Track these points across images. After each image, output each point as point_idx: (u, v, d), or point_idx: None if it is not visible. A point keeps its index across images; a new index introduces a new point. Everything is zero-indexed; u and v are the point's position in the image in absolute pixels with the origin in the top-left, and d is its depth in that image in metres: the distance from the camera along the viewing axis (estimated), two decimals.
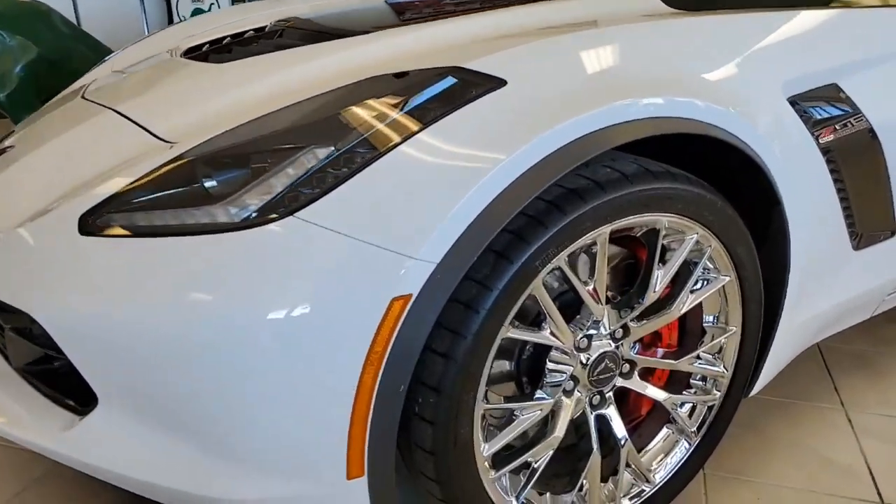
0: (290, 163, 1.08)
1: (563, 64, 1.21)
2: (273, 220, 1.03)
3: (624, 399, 1.52)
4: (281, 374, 1.04)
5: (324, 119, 1.14)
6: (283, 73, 1.45)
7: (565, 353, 1.27)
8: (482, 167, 1.04)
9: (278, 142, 1.12)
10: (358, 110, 1.13)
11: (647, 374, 1.47)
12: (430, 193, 1.04)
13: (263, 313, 1.01)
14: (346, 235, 1.02)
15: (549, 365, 1.29)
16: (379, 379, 1.05)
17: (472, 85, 1.12)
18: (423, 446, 1.14)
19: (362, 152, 1.07)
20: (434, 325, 1.08)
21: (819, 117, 1.46)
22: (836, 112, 1.49)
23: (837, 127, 1.50)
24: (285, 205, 1.05)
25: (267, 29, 2.00)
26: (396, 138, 1.07)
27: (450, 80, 1.14)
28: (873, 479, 1.63)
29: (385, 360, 1.05)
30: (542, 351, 1.30)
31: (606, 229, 1.16)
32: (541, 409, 1.24)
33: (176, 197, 1.11)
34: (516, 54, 1.20)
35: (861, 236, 1.67)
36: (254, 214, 1.05)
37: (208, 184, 1.11)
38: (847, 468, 1.67)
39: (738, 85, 1.34)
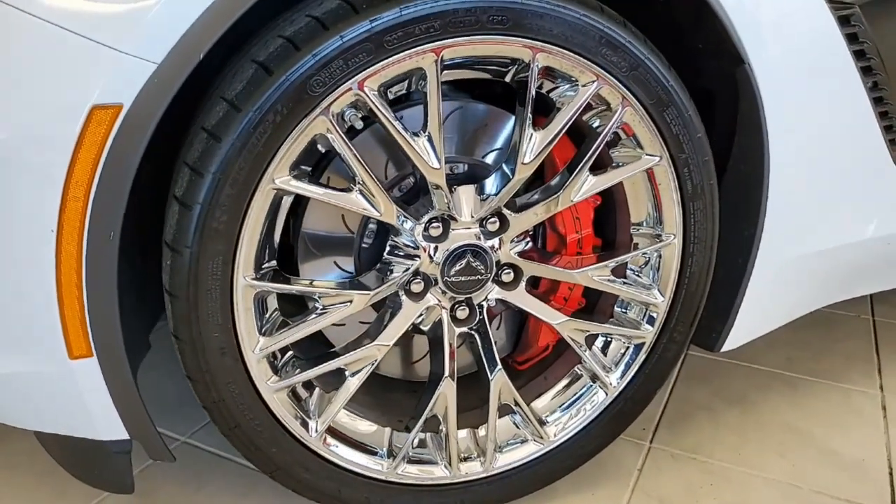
0: None
1: None
2: None
3: (522, 328, 1.16)
4: None
5: None
6: None
7: (409, 239, 0.95)
8: None
9: None
10: None
11: (550, 293, 1.11)
12: None
13: None
14: (24, 11, 0.75)
15: (388, 250, 0.97)
16: (88, 223, 0.79)
17: None
18: (171, 329, 0.87)
19: None
20: (164, 158, 0.80)
21: None
22: None
23: None
24: None
25: None
26: None
27: None
28: (892, 479, 1.16)
29: (93, 196, 0.78)
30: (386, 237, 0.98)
31: (431, 50, 0.82)
32: (350, 301, 0.92)
33: None
34: None
35: None
36: None
37: None
38: (857, 464, 1.20)
39: None
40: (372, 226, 1.01)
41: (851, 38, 1.07)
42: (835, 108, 1.08)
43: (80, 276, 0.81)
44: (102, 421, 0.91)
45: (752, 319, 1.20)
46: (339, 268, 1.03)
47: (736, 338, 1.20)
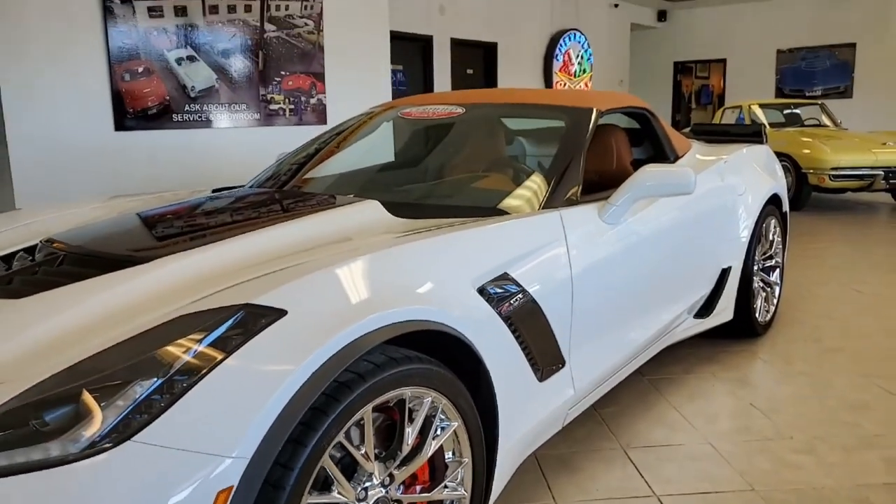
0: (120, 395, 1.34)
1: (332, 290, 1.66)
2: (108, 448, 1.28)
3: None
4: None
5: (144, 358, 1.43)
6: (80, 306, 1.69)
7: None
8: (277, 379, 1.43)
9: (105, 380, 1.38)
10: (171, 349, 1.45)
11: None
12: (239, 405, 1.39)
13: None
14: (175, 448, 1.31)
15: None
16: None
17: (260, 316, 1.52)
18: None
19: (180, 380, 1.39)
20: None
21: (499, 297, 2.12)
22: (509, 291, 2.17)
23: (512, 301, 2.19)
24: (119, 431, 1.30)
25: (38, 251, 2.16)
26: (207, 366, 1.41)
27: (241, 314, 1.52)
28: None
29: None
30: None
31: (369, 407, 1.60)
32: None
33: (9, 440, 1.29)
34: (294, 287, 1.63)
35: (542, 371, 2.35)
36: (89, 445, 1.29)
37: (40, 424, 1.31)
38: None
39: (444, 289, 1.93)
40: None
41: (508, 325, 2.17)
42: (511, 361, 2.16)
43: None
44: None
45: (498, 482, 2.17)
46: None
47: (493, 497, 2.16)
